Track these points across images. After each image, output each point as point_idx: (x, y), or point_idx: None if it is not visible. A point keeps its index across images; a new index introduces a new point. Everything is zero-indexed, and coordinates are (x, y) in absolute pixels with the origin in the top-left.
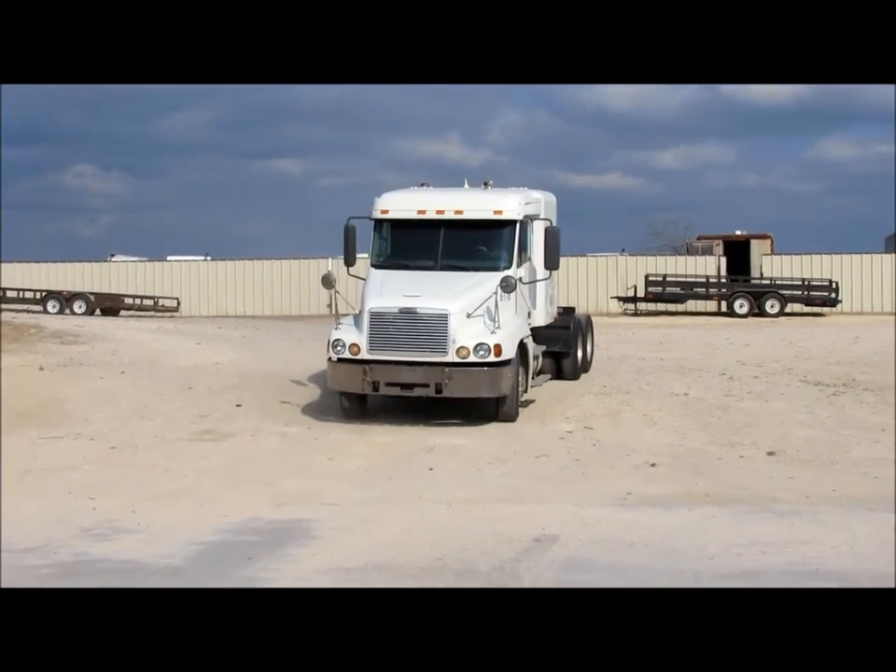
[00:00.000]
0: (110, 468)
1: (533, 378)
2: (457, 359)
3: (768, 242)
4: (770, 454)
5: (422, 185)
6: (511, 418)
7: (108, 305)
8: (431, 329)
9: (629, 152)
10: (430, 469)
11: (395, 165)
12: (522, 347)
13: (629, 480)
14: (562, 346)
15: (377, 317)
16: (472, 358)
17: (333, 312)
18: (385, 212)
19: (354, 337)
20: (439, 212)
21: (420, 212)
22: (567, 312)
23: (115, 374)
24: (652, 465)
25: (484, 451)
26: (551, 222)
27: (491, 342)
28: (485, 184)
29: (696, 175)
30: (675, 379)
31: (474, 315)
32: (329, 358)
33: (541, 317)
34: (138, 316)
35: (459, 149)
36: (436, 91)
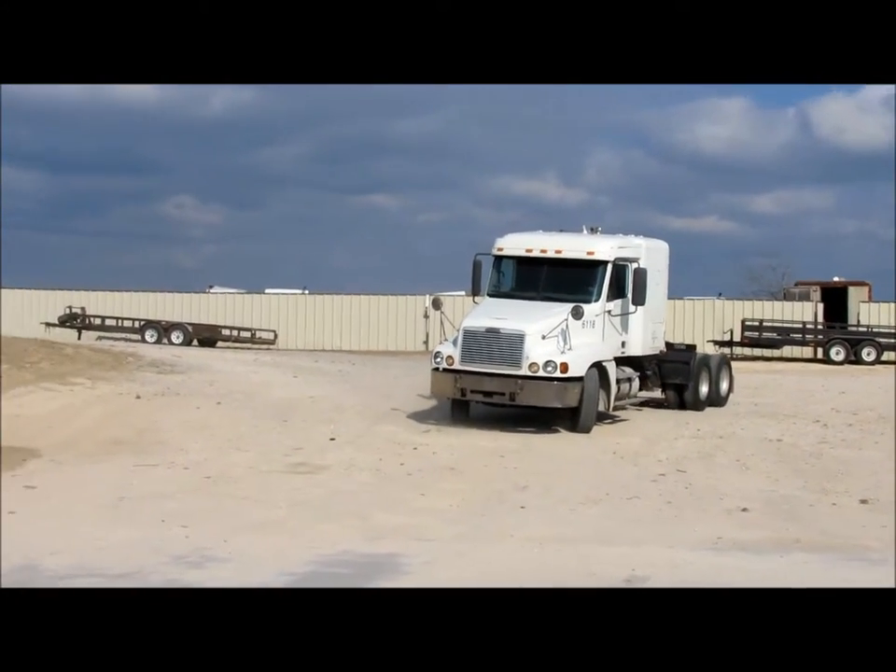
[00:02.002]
0: (204, 497)
1: (618, 400)
2: (529, 373)
3: (866, 289)
4: (863, 502)
5: (561, 230)
6: (587, 430)
7: (206, 336)
8: (510, 346)
9: (726, 195)
10: (522, 508)
11: (491, 203)
12: (602, 369)
13: (721, 524)
14: (682, 379)
15: (469, 335)
16: (541, 373)
17: (436, 337)
18: (500, 250)
19: (450, 351)
20: (542, 251)
21: (528, 251)
22: (689, 349)
23: (211, 405)
24: (744, 510)
25: (577, 491)
26: (637, 264)
27: (559, 360)
28: (592, 229)
29: (794, 221)
30: (769, 424)
31: (549, 336)
32: (434, 368)
33: (637, 348)
34: (235, 348)
35: (556, 189)
36: (530, 128)
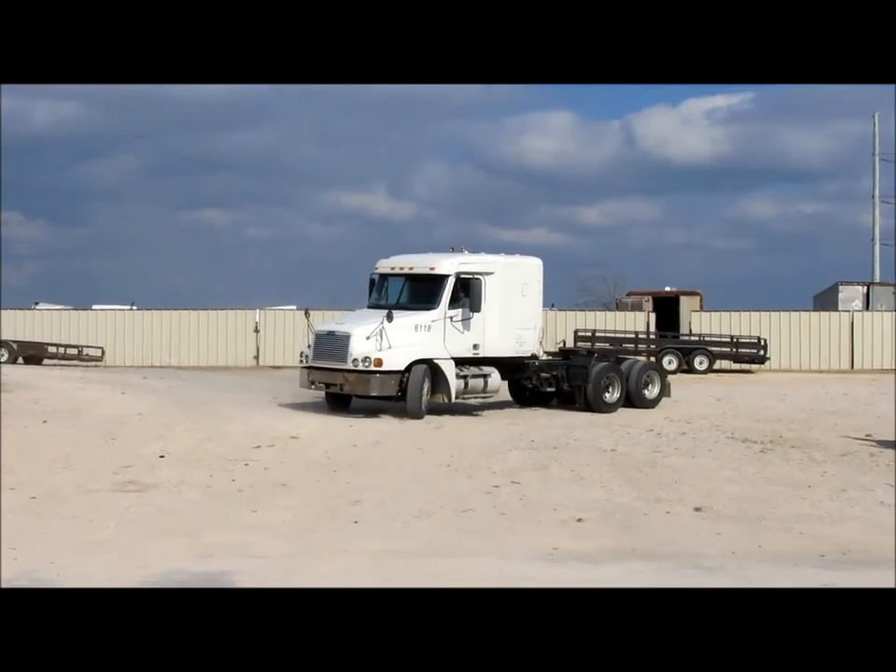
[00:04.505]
0: (31, 518)
1: (468, 394)
2: (352, 367)
3: (697, 298)
4: (697, 510)
5: (453, 250)
6: (414, 415)
7: (32, 353)
8: (341, 345)
9: (554, 208)
10: (355, 523)
11: (321, 217)
12: (434, 366)
13: (556, 535)
14: (581, 381)
15: (318, 337)
16: (360, 367)
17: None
18: (376, 269)
19: (308, 350)
20: (401, 269)
21: (392, 269)
22: (589, 355)
23: (37, 423)
24: (579, 520)
25: (410, 504)
26: (484, 278)
27: (374, 356)
28: (452, 249)
29: (622, 232)
30: (603, 434)
31: (371, 336)
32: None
33: (493, 350)
34: (62, 365)
35: (386, 202)
36: (360, 142)
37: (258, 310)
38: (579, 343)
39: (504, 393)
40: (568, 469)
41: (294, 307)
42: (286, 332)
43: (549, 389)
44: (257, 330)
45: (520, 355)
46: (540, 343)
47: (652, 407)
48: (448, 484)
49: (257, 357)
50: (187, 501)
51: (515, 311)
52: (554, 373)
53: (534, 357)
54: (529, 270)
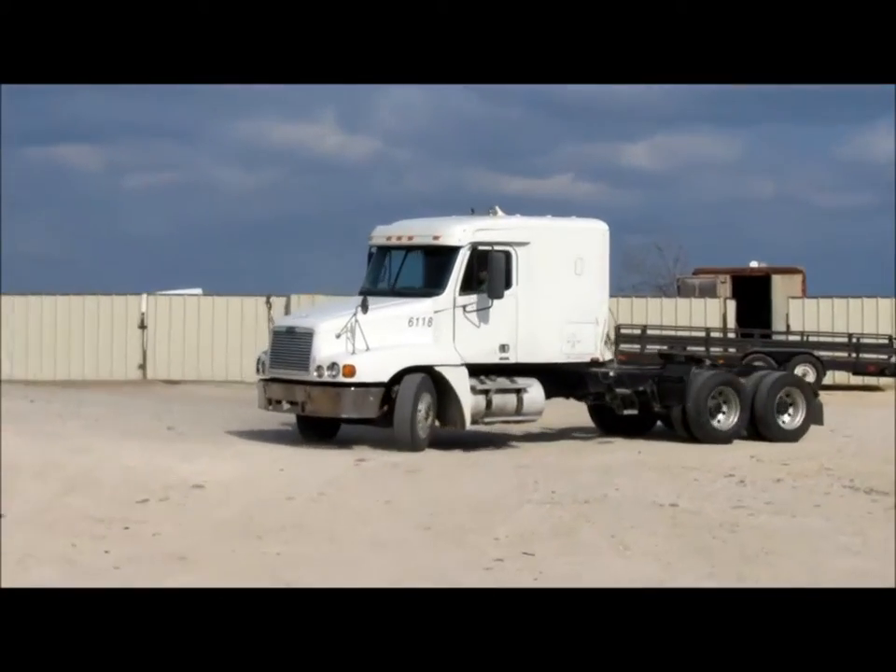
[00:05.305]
0: None
1: (491, 416)
2: (316, 378)
3: (798, 279)
4: None
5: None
6: (407, 447)
7: None
8: (302, 347)
9: (584, 145)
10: None
11: (239, 158)
12: (438, 377)
13: None
14: (675, 401)
15: (276, 335)
16: (326, 377)
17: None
18: (370, 239)
19: (265, 357)
20: (398, 238)
21: (388, 238)
22: (690, 362)
23: None
24: None
25: (371, 586)
26: (510, 250)
27: (343, 361)
28: (472, 210)
29: (683, 180)
30: (658, 482)
31: (342, 334)
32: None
33: (530, 353)
34: None
35: (335, 136)
36: None
37: (145, 295)
38: (622, 345)
39: (559, 420)
40: (607, 535)
41: (199, 291)
42: (186, 329)
43: (629, 411)
44: (143, 326)
45: (574, 360)
46: (607, 343)
47: (793, 440)
48: (428, 556)
49: (143, 367)
50: (37, 583)
51: (565, 297)
52: (640, 388)
53: (596, 362)
54: (587, 238)
